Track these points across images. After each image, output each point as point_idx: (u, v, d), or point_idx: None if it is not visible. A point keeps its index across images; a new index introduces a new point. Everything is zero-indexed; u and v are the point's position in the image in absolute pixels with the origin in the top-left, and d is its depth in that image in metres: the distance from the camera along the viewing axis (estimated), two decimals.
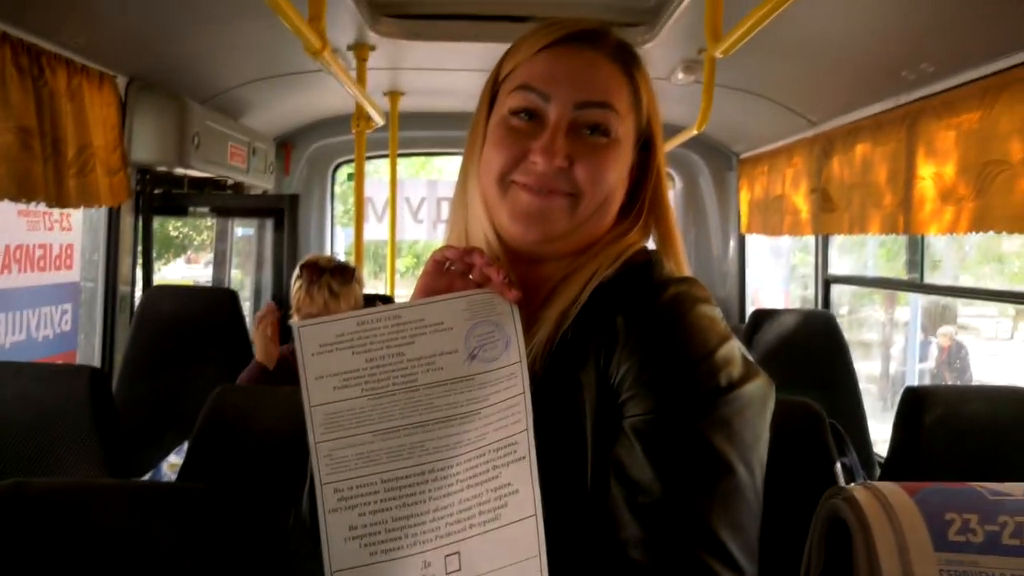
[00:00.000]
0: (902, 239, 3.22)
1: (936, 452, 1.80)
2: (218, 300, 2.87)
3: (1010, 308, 8.85)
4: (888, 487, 1.02)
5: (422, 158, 5.77)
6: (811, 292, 3.42)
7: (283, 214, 3.22)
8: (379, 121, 3.17)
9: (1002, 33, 2.03)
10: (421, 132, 4.32)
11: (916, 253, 2.83)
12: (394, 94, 3.73)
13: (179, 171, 3.03)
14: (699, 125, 2.88)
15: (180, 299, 2.85)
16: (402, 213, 4.61)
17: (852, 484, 1.69)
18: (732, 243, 4.41)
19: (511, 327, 0.78)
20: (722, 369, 0.76)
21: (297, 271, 2.16)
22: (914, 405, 1.87)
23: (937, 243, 3.87)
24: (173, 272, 8.44)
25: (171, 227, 7.52)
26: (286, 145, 4.31)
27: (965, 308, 8.91)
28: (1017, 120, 1.99)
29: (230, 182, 3.32)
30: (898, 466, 1.90)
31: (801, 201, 3.42)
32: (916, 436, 1.84)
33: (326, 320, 0.77)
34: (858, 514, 0.98)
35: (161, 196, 3.09)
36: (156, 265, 3.27)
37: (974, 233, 2.22)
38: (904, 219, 2.54)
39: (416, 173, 5.79)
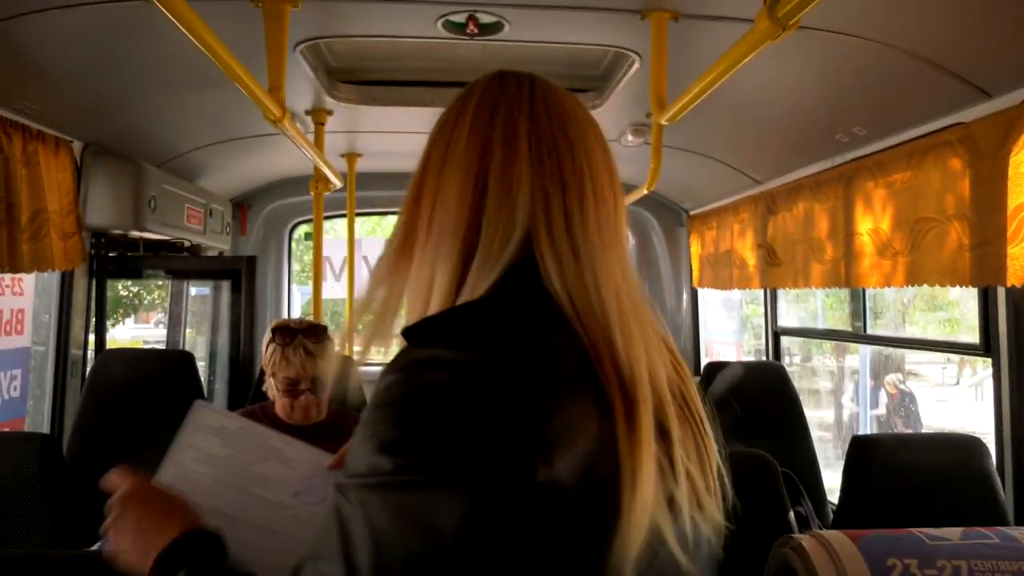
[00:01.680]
0: (847, 290, 3.35)
1: (883, 498, 1.86)
2: (173, 363, 2.84)
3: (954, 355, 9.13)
4: (834, 535, 1.07)
5: (378, 216, 5.84)
6: (763, 343, 3.52)
7: (240, 276, 3.22)
8: (337, 184, 3.22)
9: (925, 101, 2.18)
10: (378, 192, 4.37)
11: (859, 304, 2.95)
12: (351, 155, 3.79)
13: (135, 234, 3.03)
14: (649, 184, 2.99)
15: (134, 362, 2.81)
16: (360, 271, 4.63)
17: (801, 533, 1.74)
18: (685, 297, 4.52)
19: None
20: None
21: (269, 334, 2.15)
22: (861, 453, 1.94)
23: (882, 292, 4.03)
24: (123, 333, 8.27)
25: (120, 286, 7.40)
26: (243, 206, 4.33)
27: (912, 355, 9.18)
28: (942, 180, 2.12)
29: (187, 244, 3.31)
30: (849, 513, 1.95)
31: (749, 255, 3.54)
32: (864, 483, 1.90)
33: (220, 412, 1.04)
34: (806, 563, 1.03)
35: (116, 259, 3.07)
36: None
37: (909, 286, 2.33)
38: (845, 272, 2.65)
39: (372, 230, 5.84)
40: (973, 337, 2.26)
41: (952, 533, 1.06)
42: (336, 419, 2.18)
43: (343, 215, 4.13)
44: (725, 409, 2.72)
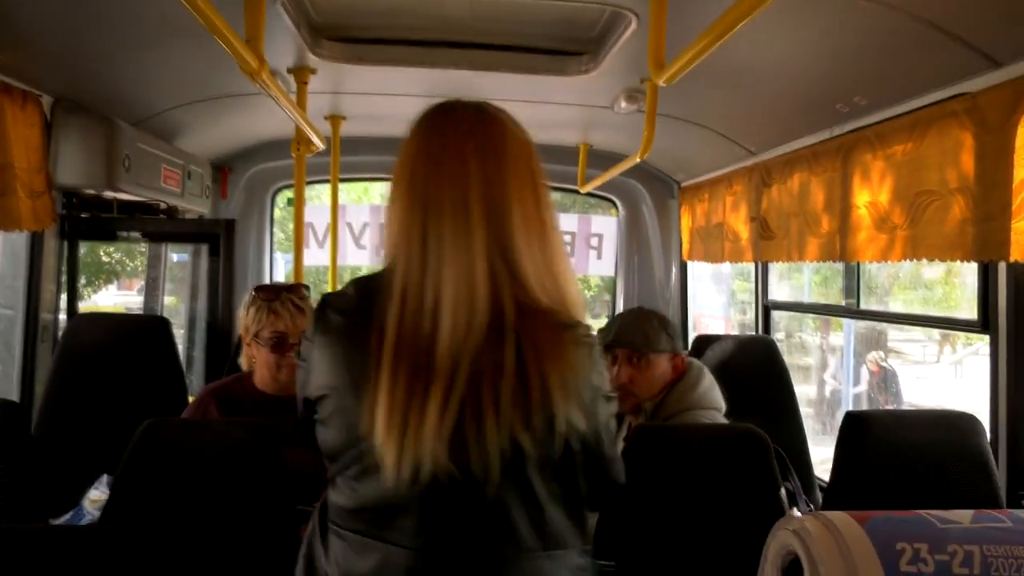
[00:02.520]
0: (837, 266, 3.30)
1: (877, 476, 1.82)
2: (149, 328, 2.75)
3: (935, 333, 9.17)
4: (839, 517, 1.01)
5: (364, 183, 5.72)
6: (749, 317, 3.47)
7: (219, 239, 3.12)
8: (320, 145, 3.11)
9: (929, 70, 2.11)
10: (363, 157, 4.26)
11: (853, 279, 2.90)
12: (335, 118, 3.67)
13: (108, 195, 2.91)
14: (642, 153, 2.91)
15: (108, 328, 2.71)
16: (344, 238, 4.53)
17: (802, 513, 1.69)
18: (674, 270, 4.47)
19: None
20: None
21: (249, 296, 2.08)
22: (855, 429, 1.89)
23: (870, 269, 3.99)
24: (106, 299, 8.13)
25: (103, 252, 7.25)
26: (223, 169, 4.20)
27: (895, 333, 9.20)
28: (945, 152, 2.06)
29: (163, 206, 3.20)
30: (841, 490, 1.91)
31: (742, 228, 3.48)
32: (858, 460, 1.86)
33: None
34: (809, 547, 0.97)
35: (88, 220, 2.95)
36: (87, 292, 3.12)
37: (908, 261, 2.28)
38: (840, 246, 2.60)
39: (358, 198, 5.72)
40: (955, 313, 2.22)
41: (963, 516, 1.00)
42: None
43: (327, 180, 4.02)
44: (719, 381, 2.66)
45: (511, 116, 1.23)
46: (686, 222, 4.29)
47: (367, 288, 1.18)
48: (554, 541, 1.12)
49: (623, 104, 3.12)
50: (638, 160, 3.01)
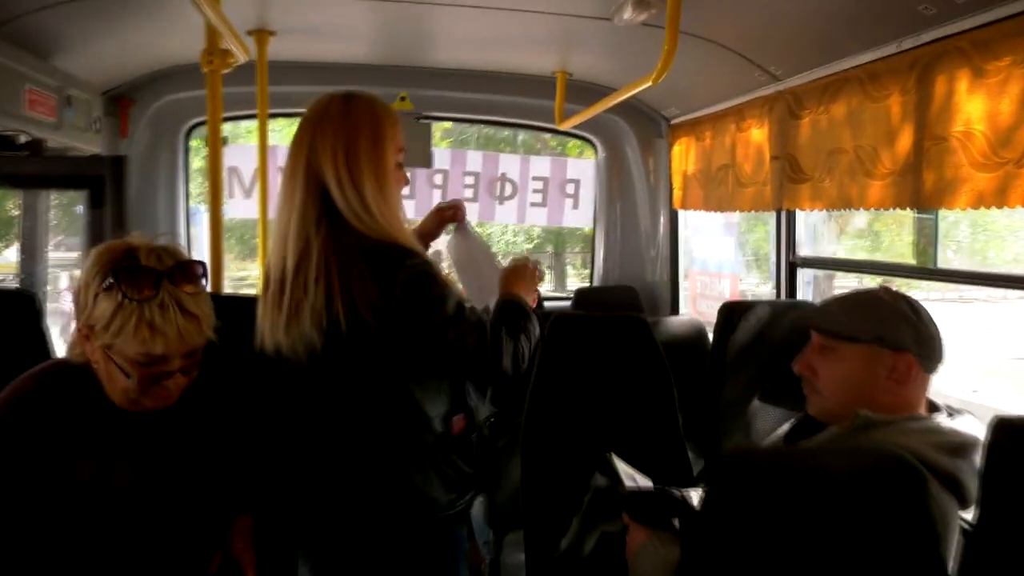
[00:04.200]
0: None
1: None
2: (9, 304, 2.04)
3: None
4: None
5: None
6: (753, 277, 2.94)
7: (102, 184, 2.38)
8: (240, 57, 2.37)
9: None
10: (297, 87, 3.53)
11: (931, 232, 2.37)
12: (262, 33, 2.93)
13: None
14: (657, 75, 2.32)
15: None
16: (274, 185, 3.80)
17: None
18: (662, 219, 3.91)
19: None
20: None
21: (96, 271, 1.33)
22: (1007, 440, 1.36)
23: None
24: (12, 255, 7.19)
25: (12, 204, 6.29)
26: (123, 100, 3.42)
27: (841, 280, 8.93)
28: None
29: (23, 139, 2.42)
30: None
31: (758, 171, 2.92)
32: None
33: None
34: None
35: None
36: None
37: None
38: (916, 189, 2.06)
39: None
40: None
41: None
42: (191, 394, 1.47)
43: (253, 114, 3.28)
44: (752, 359, 2.13)
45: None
46: (678, 165, 3.72)
47: None
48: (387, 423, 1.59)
49: (629, 13, 2.49)
50: (650, 84, 2.40)
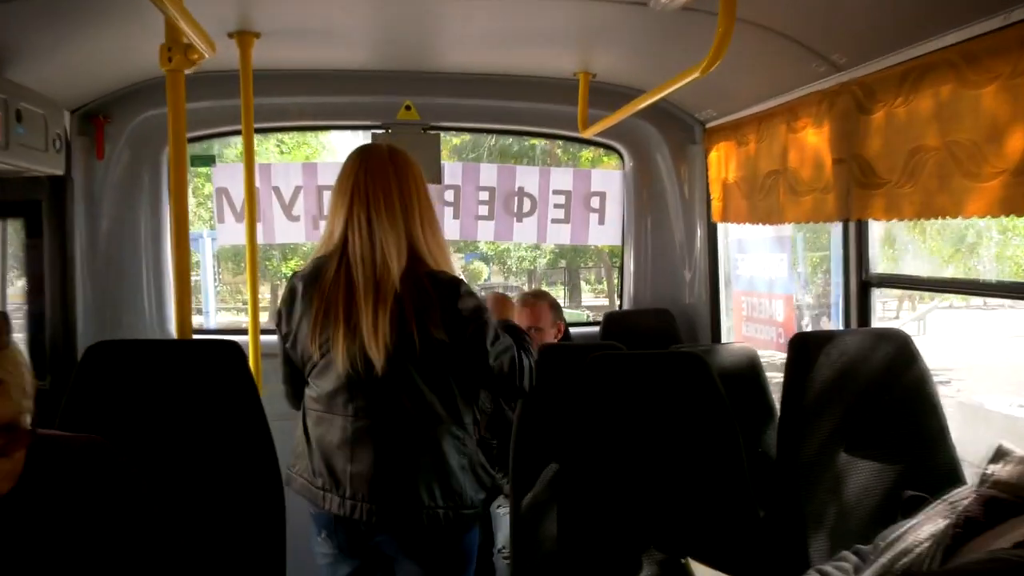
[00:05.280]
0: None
1: None
2: None
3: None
4: None
5: (296, 137, 4.57)
6: (837, 297, 2.53)
7: (39, 210, 2.01)
8: (205, 52, 1.98)
9: None
10: (287, 98, 3.19)
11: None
12: (245, 35, 2.58)
13: None
14: (707, 65, 1.94)
15: None
16: (272, 208, 3.44)
17: None
18: (699, 233, 3.52)
19: None
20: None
21: None
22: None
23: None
24: None
25: None
26: (97, 118, 3.08)
27: None
28: None
29: None
30: None
31: (817, 177, 2.53)
32: None
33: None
34: None
35: None
36: None
37: None
38: None
39: (291, 155, 4.57)
40: None
41: None
42: (42, 478, 1.15)
43: (237, 131, 2.93)
44: (837, 402, 1.70)
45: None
46: (716, 173, 3.33)
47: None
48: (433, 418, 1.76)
49: None
50: (697, 76, 2.02)
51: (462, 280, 1.74)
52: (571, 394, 1.97)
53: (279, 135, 6.04)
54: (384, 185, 1.69)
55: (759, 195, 2.93)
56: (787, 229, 2.89)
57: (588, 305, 17.29)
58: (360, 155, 1.75)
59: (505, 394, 2.03)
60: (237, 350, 1.76)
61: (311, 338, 1.71)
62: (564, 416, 2.31)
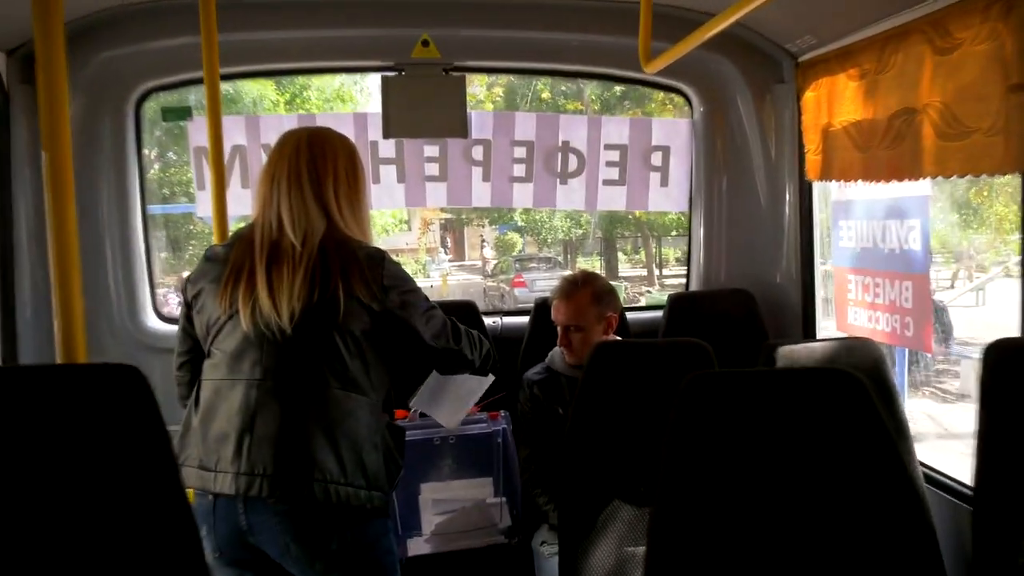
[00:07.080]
0: None
1: None
2: None
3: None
4: None
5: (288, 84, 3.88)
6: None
7: None
8: None
9: None
10: (262, 33, 2.58)
11: None
12: None
13: None
14: None
15: None
16: (248, 171, 2.85)
17: None
18: (789, 196, 2.84)
19: None
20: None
21: None
22: None
23: None
24: None
25: None
26: None
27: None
28: None
29: None
30: None
31: (982, 113, 1.84)
32: None
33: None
34: None
35: None
36: None
37: None
38: None
39: (280, 106, 3.93)
40: None
41: None
42: None
43: (200, 80, 2.32)
44: None
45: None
46: (812, 119, 2.65)
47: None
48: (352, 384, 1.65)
49: None
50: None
51: (385, 251, 1.73)
52: (654, 413, 1.62)
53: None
54: (295, 162, 1.70)
55: (882, 143, 2.24)
56: (924, 187, 2.20)
57: (624, 275, 16.57)
58: (277, 141, 1.77)
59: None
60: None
61: (219, 297, 1.65)
62: (639, 442, 1.95)
